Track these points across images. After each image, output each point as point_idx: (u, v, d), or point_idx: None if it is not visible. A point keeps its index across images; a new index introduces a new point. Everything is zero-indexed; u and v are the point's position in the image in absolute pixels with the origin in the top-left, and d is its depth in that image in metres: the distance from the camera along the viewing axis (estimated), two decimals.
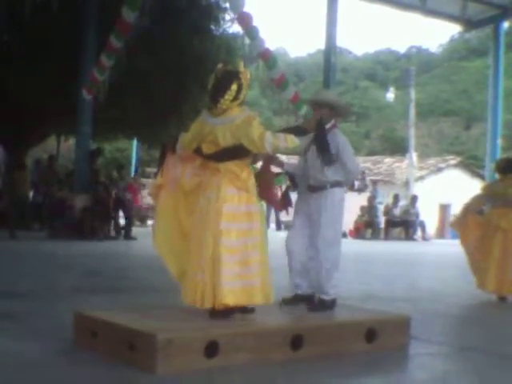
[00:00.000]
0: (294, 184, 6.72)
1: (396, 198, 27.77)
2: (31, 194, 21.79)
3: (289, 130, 5.88)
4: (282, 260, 6.32)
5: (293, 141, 5.58)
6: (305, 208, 6.41)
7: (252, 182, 5.64)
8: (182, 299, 5.57)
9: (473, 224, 9.76)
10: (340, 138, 6.35)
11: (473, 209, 9.86)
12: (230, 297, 5.35)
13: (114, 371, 4.71)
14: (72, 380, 4.49)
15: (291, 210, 6.75)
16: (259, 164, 6.28)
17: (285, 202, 6.67)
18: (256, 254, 5.53)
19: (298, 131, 5.91)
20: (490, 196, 9.81)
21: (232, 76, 5.61)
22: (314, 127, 6.11)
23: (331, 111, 6.42)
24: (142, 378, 4.57)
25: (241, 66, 5.71)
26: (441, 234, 32.26)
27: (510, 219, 9.38)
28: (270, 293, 5.60)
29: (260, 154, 5.80)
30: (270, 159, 6.16)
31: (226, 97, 5.49)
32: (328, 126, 6.32)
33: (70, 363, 4.99)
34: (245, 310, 5.54)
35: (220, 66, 5.79)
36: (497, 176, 10.29)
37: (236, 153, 5.51)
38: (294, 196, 6.69)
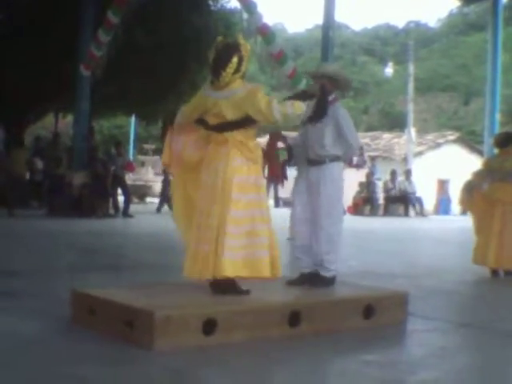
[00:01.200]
0: (290, 157, 6.71)
1: (394, 174, 27.71)
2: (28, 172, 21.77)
3: (294, 97, 5.89)
4: (282, 236, 6.31)
5: (300, 106, 5.61)
6: (304, 183, 6.39)
7: (259, 153, 5.66)
8: (184, 273, 5.55)
9: (477, 200, 9.76)
10: (341, 111, 6.35)
11: (476, 184, 9.83)
12: (230, 268, 5.35)
13: (111, 348, 4.72)
14: (70, 357, 4.49)
15: (289, 186, 6.75)
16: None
17: (281, 176, 6.69)
18: (264, 227, 5.54)
19: (303, 96, 5.93)
20: (489, 171, 9.79)
21: (232, 49, 5.59)
22: (318, 91, 6.16)
23: (332, 84, 6.42)
24: (140, 355, 4.57)
25: (241, 39, 5.70)
26: (439, 209, 32.22)
27: (507, 193, 9.38)
28: (279, 267, 5.61)
29: (269, 124, 5.80)
30: (276, 135, 6.11)
31: (228, 70, 5.48)
32: (329, 98, 6.32)
33: (67, 341, 4.99)
34: (239, 291, 5.53)
35: (219, 39, 5.78)
36: (496, 151, 10.28)
37: (242, 123, 5.52)
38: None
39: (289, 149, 6.76)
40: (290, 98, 5.86)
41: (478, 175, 9.90)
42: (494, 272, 9.45)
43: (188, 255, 5.56)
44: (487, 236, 9.44)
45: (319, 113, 6.19)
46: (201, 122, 5.74)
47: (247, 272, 5.45)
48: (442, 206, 30.92)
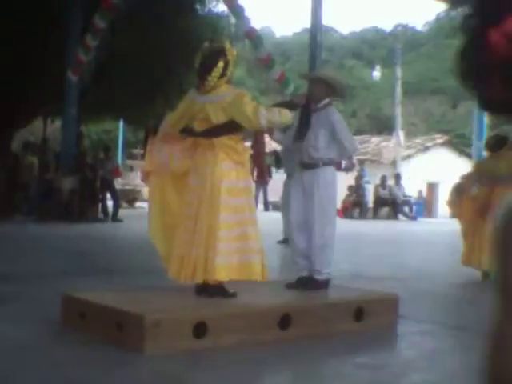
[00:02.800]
0: (278, 161, 6.75)
1: (384, 180, 27.76)
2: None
3: (281, 105, 5.93)
4: (271, 240, 6.31)
5: (286, 115, 5.64)
6: (300, 187, 6.40)
7: (247, 156, 5.70)
8: (171, 275, 5.56)
9: (466, 203, 9.75)
10: (335, 115, 6.36)
11: (466, 188, 9.83)
12: (223, 272, 5.37)
13: (102, 352, 4.70)
14: (60, 361, 4.47)
15: (278, 190, 6.77)
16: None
17: (265, 174, 6.69)
18: (254, 230, 5.58)
19: (289, 106, 5.96)
20: (479, 174, 9.78)
21: (218, 53, 5.63)
22: (303, 101, 6.18)
23: (328, 88, 6.42)
24: (131, 359, 4.56)
25: (227, 44, 5.74)
26: (429, 212, 32.26)
27: (499, 197, 9.36)
28: (267, 270, 5.63)
29: (254, 130, 5.84)
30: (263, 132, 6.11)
31: (213, 74, 5.52)
32: (323, 102, 6.34)
33: (58, 345, 4.98)
34: (226, 294, 5.53)
35: (206, 44, 5.82)
36: (486, 154, 10.27)
37: (229, 128, 5.53)
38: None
39: (277, 156, 6.80)
40: (275, 106, 5.89)
41: (468, 179, 9.89)
42: (486, 274, 9.43)
43: (173, 258, 5.56)
44: (480, 239, 9.40)
45: (303, 130, 6.23)
46: (187, 130, 5.75)
47: (240, 276, 5.48)
48: (420, 211, 30.92)
